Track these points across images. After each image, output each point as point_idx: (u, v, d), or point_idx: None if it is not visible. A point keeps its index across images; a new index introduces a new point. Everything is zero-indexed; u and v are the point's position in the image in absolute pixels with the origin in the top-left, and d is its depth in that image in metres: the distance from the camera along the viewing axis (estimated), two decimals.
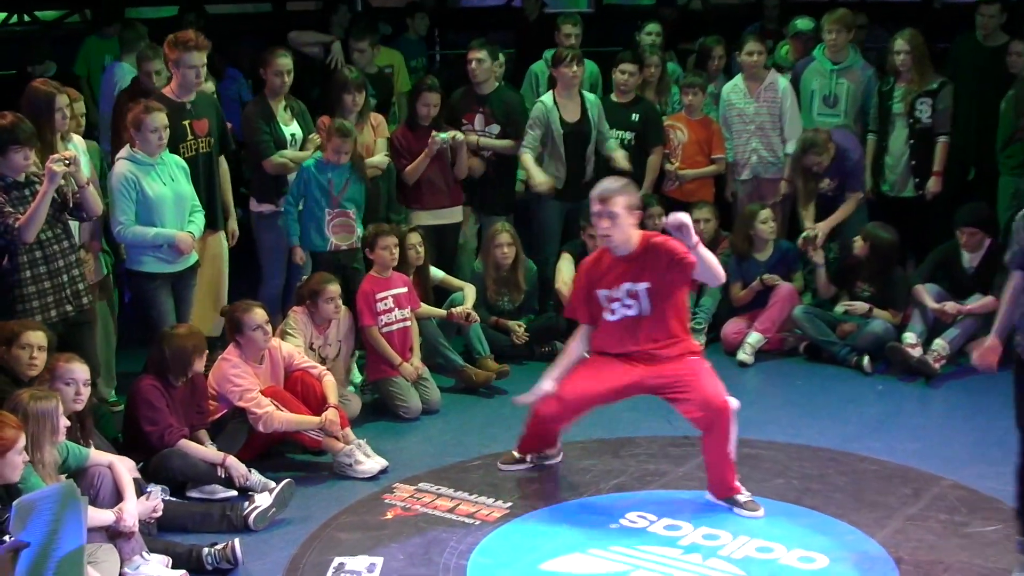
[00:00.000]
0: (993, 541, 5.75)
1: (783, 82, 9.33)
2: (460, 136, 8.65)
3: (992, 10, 9.39)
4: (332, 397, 6.92)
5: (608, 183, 6.29)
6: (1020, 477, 5.34)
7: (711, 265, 6.04)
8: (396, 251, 7.74)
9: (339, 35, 10.12)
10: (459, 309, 8.17)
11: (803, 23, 10.05)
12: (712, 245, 9.00)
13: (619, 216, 6.12)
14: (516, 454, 6.73)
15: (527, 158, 8.91)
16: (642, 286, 6.19)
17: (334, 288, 7.41)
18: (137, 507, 5.53)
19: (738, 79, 9.45)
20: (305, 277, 7.80)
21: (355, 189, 8.06)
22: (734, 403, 6.13)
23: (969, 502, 6.12)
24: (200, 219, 7.28)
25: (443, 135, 8.52)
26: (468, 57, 9.05)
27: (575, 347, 6.47)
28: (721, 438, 6.12)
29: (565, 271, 8.56)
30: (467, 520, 6.13)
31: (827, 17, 9.33)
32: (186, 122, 7.52)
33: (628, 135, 9.25)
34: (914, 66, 8.90)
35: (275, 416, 6.64)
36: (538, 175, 8.83)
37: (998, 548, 5.67)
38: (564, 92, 8.97)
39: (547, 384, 6.32)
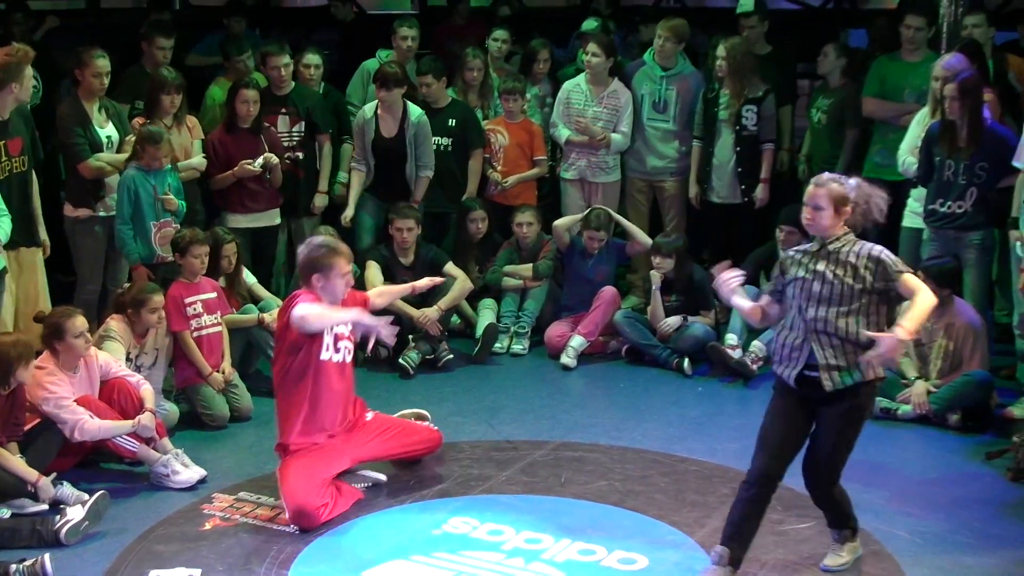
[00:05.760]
0: (807, 537, 5.90)
1: (627, 93, 9.38)
2: (274, 159, 8.56)
3: (753, 21, 9.68)
4: (149, 403, 6.76)
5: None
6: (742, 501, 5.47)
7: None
8: (206, 259, 7.61)
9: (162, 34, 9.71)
10: (268, 318, 7.97)
11: (588, 24, 10.27)
12: (535, 249, 9.09)
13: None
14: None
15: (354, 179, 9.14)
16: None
17: (159, 299, 7.24)
18: None
19: (581, 79, 9.46)
20: (127, 284, 7.58)
21: (178, 193, 7.94)
22: None
23: (784, 500, 6.23)
24: (6, 223, 7.02)
25: (255, 163, 8.47)
26: (272, 64, 8.98)
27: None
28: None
29: (375, 277, 8.50)
30: (288, 529, 6.03)
31: (663, 23, 9.41)
32: (1, 143, 7.26)
33: (445, 140, 9.25)
34: (730, 75, 9.02)
35: (88, 424, 6.43)
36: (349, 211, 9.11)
37: (812, 544, 5.83)
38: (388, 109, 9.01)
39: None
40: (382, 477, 6.58)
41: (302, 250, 6.39)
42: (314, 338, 6.18)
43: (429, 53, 10.03)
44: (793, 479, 6.36)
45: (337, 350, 6.30)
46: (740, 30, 9.69)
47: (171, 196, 7.89)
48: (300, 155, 9.04)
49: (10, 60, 7.19)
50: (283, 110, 9.00)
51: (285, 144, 8.95)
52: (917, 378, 7.56)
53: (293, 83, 9.09)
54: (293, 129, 9.01)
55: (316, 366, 6.23)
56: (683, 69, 9.45)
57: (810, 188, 5.39)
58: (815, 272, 5.34)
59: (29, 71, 7.27)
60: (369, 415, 6.63)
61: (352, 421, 6.49)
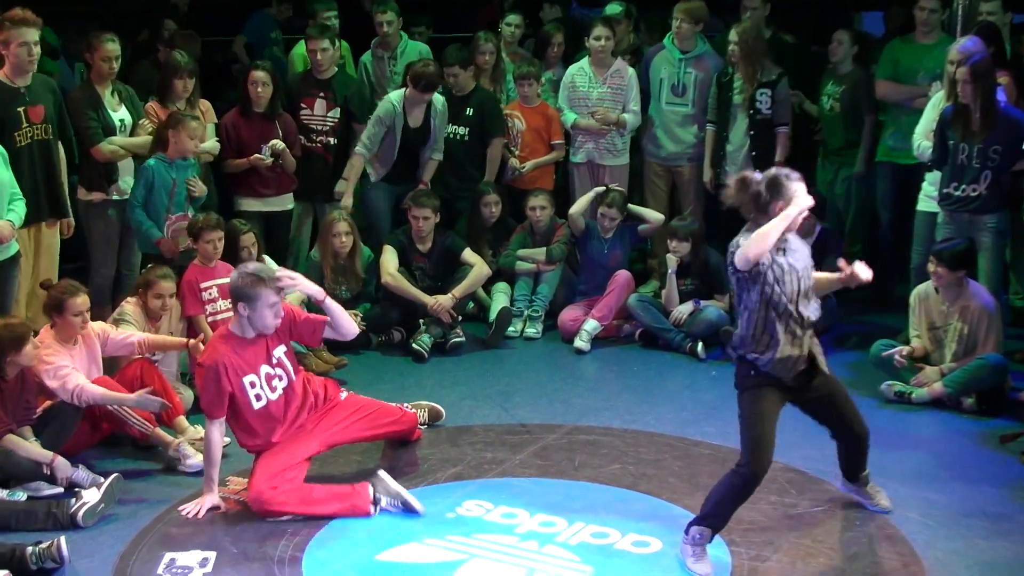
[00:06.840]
0: (820, 520, 5.90)
1: (630, 71, 9.39)
2: (280, 145, 8.58)
3: (755, 2, 9.65)
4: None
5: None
6: (731, 487, 5.48)
7: None
8: (220, 244, 7.62)
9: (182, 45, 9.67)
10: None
11: (611, 8, 10.26)
12: (549, 233, 9.09)
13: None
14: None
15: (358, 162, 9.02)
16: (280, 350, 6.18)
17: (166, 286, 7.24)
18: None
19: (584, 63, 9.46)
20: (150, 266, 7.62)
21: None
22: None
23: (798, 483, 6.25)
24: (21, 207, 7.05)
25: (265, 155, 8.51)
26: (311, 47, 8.99)
27: (218, 442, 6.09)
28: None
29: (390, 263, 8.53)
30: None
31: (678, 6, 9.38)
32: (21, 109, 7.29)
33: (462, 130, 9.26)
34: (743, 59, 9.00)
35: (87, 389, 6.43)
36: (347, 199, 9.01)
37: (825, 528, 5.83)
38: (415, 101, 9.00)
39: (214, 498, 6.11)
40: (419, 509, 6.04)
41: (232, 276, 6.13)
42: (235, 395, 6.00)
43: (457, 40, 9.98)
44: (805, 462, 6.41)
45: (272, 389, 6.12)
46: (742, 11, 9.67)
47: (198, 181, 7.92)
48: (332, 140, 9.06)
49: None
50: (321, 94, 9.03)
51: (318, 128, 9.01)
52: (911, 351, 7.59)
53: (336, 69, 9.13)
54: (328, 114, 9.03)
55: (253, 418, 6.08)
56: (703, 52, 9.42)
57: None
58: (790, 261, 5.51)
59: (28, 34, 7.19)
60: (343, 394, 6.50)
61: (322, 403, 6.35)
